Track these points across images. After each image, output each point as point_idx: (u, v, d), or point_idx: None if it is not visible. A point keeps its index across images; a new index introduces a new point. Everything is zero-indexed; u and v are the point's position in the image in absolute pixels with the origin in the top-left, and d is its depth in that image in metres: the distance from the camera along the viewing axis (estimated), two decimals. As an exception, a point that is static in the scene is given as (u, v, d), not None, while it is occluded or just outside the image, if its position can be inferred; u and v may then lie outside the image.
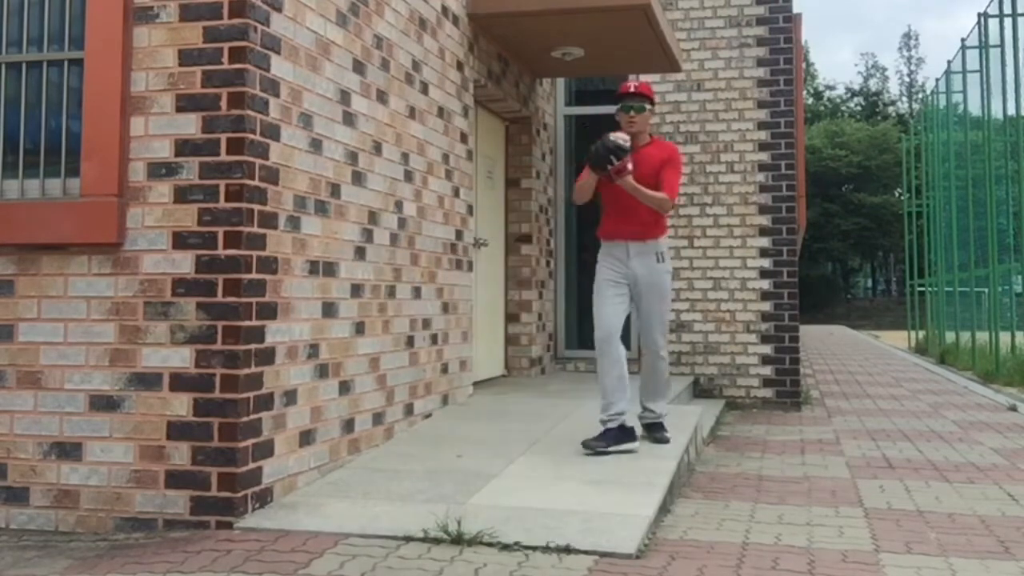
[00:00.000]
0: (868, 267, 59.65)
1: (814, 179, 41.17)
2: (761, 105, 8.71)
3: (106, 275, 3.81)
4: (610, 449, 4.72)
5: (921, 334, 20.93)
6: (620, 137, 4.74)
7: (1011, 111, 12.38)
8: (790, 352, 8.49)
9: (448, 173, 6.03)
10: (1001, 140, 13.25)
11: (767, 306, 8.54)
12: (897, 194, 47.27)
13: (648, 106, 4.96)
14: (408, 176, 5.36)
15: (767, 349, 8.52)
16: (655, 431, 5.14)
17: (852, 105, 66.96)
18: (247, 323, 3.71)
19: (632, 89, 4.94)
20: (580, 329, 8.99)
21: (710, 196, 8.75)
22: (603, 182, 4.89)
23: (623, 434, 4.78)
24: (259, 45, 3.83)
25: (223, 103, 3.74)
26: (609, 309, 4.92)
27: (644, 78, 8.92)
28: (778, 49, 8.73)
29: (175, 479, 3.69)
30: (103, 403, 3.77)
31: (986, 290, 14.15)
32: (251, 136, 3.76)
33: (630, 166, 4.78)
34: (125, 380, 3.76)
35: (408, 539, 3.42)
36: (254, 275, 3.77)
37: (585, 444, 4.76)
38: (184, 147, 3.77)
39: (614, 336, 4.88)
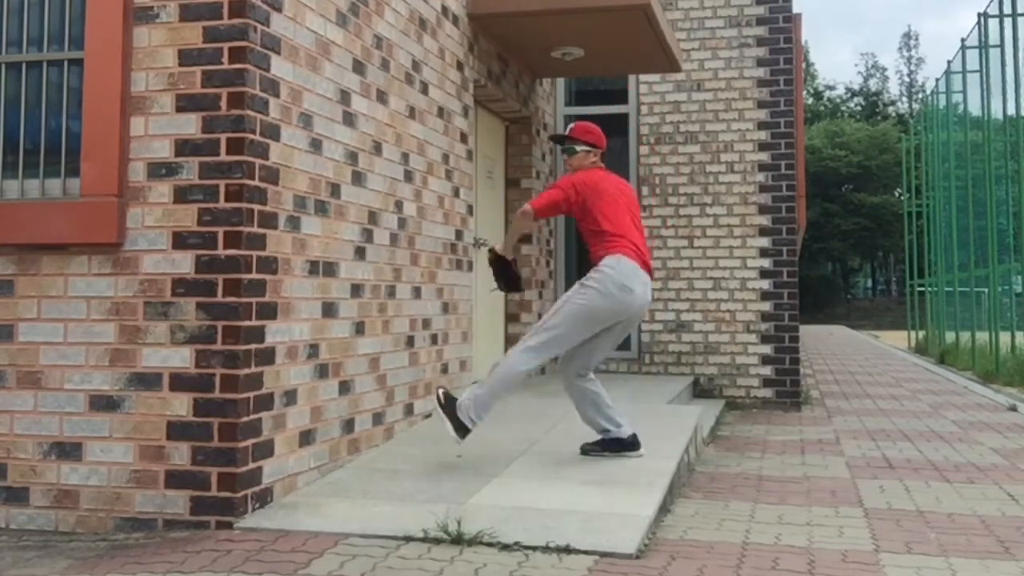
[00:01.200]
0: (868, 267, 59.64)
1: (814, 179, 41.15)
2: (761, 105, 8.71)
3: (106, 275, 3.81)
4: (605, 453, 4.70)
5: (921, 334, 20.93)
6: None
7: (1011, 111, 12.39)
8: (790, 352, 8.49)
9: (448, 173, 6.03)
10: (1001, 140, 13.25)
11: (767, 306, 8.54)
12: (897, 194, 47.27)
13: (580, 147, 4.85)
14: (408, 176, 5.36)
15: (767, 349, 8.52)
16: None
17: (852, 105, 66.95)
18: (247, 323, 3.70)
19: (568, 132, 4.95)
20: (580, 329, 8.97)
21: (710, 196, 8.75)
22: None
23: (620, 444, 4.69)
24: (259, 45, 3.83)
25: (223, 103, 3.74)
26: None
27: (644, 78, 8.94)
28: (778, 49, 8.73)
29: (175, 479, 3.69)
30: (103, 403, 3.77)
31: (986, 290, 14.15)
32: (251, 136, 3.76)
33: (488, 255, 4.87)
34: (125, 380, 3.76)
35: (408, 539, 3.42)
36: (254, 275, 3.76)
37: (583, 449, 4.76)
38: (184, 147, 3.77)
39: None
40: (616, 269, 4.52)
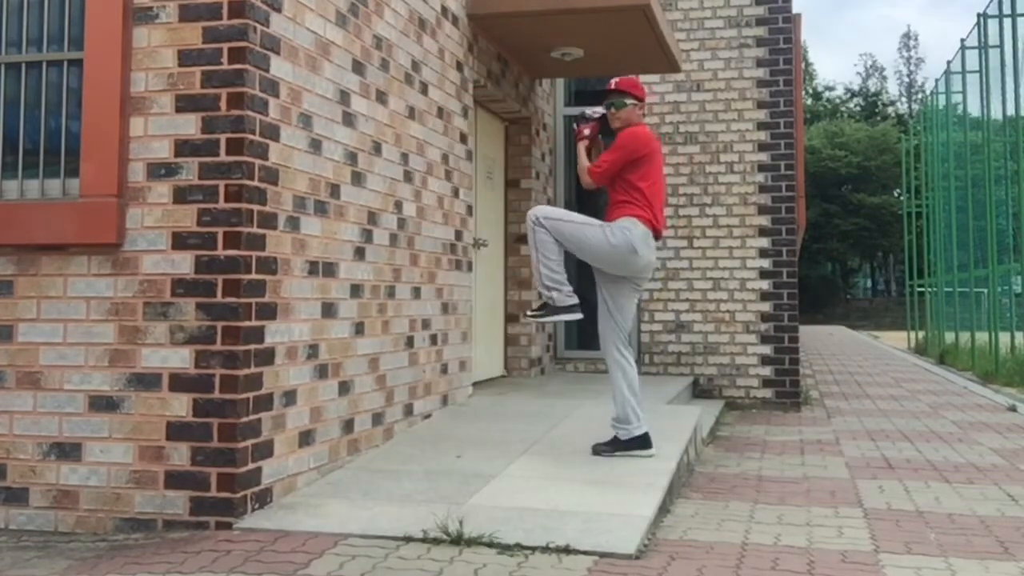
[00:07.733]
0: (868, 267, 59.64)
1: (814, 179, 41.17)
2: (760, 105, 8.71)
3: (106, 275, 3.81)
4: (616, 453, 4.72)
5: (921, 334, 20.94)
6: (592, 109, 5.04)
7: (1011, 111, 12.39)
8: (790, 352, 8.49)
9: (448, 173, 6.03)
10: (1000, 140, 13.26)
11: (767, 306, 8.54)
12: (897, 194, 47.28)
13: (628, 100, 4.92)
14: (408, 176, 5.36)
15: (767, 350, 8.52)
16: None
17: (851, 105, 66.91)
18: (247, 323, 3.70)
19: (612, 86, 5.00)
20: (580, 329, 8.98)
21: (709, 196, 8.75)
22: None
23: (632, 443, 4.73)
24: (259, 45, 3.83)
25: (223, 103, 3.74)
26: None
27: (643, 78, 8.93)
28: (777, 50, 8.73)
29: (175, 479, 3.68)
30: (103, 403, 3.77)
31: (985, 290, 14.16)
32: (250, 136, 3.76)
33: (586, 131, 4.99)
34: (125, 380, 3.76)
35: (408, 539, 3.42)
36: (254, 275, 3.76)
37: (594, 449, 4.78)
38: (184, 147, 3.77)
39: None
40: (632, 232, 4.70)
